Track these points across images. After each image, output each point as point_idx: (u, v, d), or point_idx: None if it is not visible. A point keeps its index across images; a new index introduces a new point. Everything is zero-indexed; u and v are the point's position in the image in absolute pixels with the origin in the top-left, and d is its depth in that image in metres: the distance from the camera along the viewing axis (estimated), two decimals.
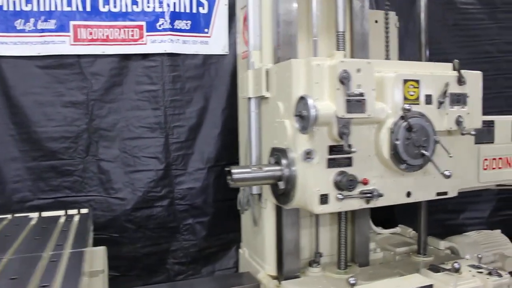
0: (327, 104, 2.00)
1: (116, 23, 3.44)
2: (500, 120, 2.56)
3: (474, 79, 2.30)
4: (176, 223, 3.58)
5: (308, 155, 2.04)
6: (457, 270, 2.12)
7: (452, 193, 2.37)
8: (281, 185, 2.15)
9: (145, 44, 3.49)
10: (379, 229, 3.14)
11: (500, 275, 2.33)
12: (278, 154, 2.19)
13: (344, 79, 1.95)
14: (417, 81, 2.14)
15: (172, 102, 3.53)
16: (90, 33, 3.40)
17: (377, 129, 2.14)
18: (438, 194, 2.33)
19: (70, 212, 2.70)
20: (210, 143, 3.61)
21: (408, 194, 2.24)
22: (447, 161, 2.30)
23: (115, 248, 3.43)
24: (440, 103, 2.18)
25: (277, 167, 2.15)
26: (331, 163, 2.07)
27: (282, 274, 2.45)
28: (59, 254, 1.88)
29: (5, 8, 3.25)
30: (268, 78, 2.35)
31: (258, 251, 2.74)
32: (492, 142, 2.53)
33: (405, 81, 2.12)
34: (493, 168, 2.53)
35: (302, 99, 1.98)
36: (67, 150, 3.40)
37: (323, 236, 2.62)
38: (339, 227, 2.51)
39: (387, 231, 3.18)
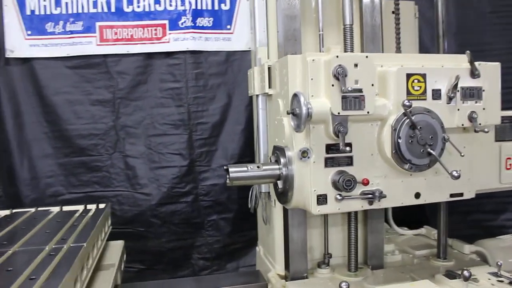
0: (322, 101, 1.92)
1: (139, 23, 3.52)
2: None
3: (492, 71, 2.12)
4: (200, 219, 3.62)
5: (303, 154, 1.98)
6: (467, 278, 1.97)
7: (469, 195, 2.21)
8: (280, 184, 2.11)
9: (168, 42, 3.54)
10: (402, 230, 3.01)
11: None
12: (277, 152, 2.14)
13: (339, 75, 1.87)
14: (423, 75, 2.00)
15: (195, 99, 3.56)
16: (115, 33, 3.50)
17: (380, 126, 2.03)
18: (452, 195, 2.18)
19: (89, 206, 2.79)
20: (234, 140, 3.61)
21: (417, 195, 2.12)
22: (462, 160, 2.15)
23: (141, 242, 3.56)
24: (450, 98, 2.03)
25: (276, 166, 2.11)
26: (329, 162, 2.00)
27: (289, 274, 2.40)
28: (60, 248, 1.95)
29: (36, 13, 3.43)
30: (270, 74, 2.30)
31: (270, 249, 2.71)
32: None
33: (409, 75, 1.99)
34: None
35: (295, 96, 1.92)
36: (96, 147, 3.54)
37: (333, 236, 2.54)
38: (349, 227, 2.42)
39: (410, 232, 3.04)
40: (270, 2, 2.42)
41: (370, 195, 2.00)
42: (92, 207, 2.80)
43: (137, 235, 3.55)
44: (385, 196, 2.02)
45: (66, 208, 2.78)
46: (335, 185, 1.97)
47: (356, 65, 1.92)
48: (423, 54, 2.42)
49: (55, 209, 2.76)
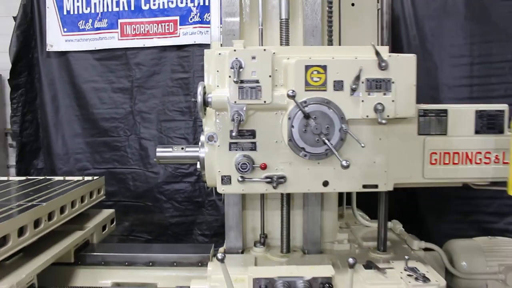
0: (222, 91, 2.11)
1: (154, 19, 3.94)
2: (456, 109, 2.22)
3: (405, 63, 2.09)
4: (201, 198, 3.96)
5: (210, 138, 2.19)
6: (351, 265, 2.00)
7: (385, 187, 2.20)
8: (198, 165, 2.33)
9: (178, 36, 3.91)
10: (366, 222, 3.01)
11: (425, 281, 2.11)
12: None
13: (234, 67, 2.04)
14: (323, 67, 2.06)
15: None
16: (134, 29, 3.96)
17: (283, 116, 2.14)
18: (366, 186, 2.20)
19: (87, 178, 3.26)
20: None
21: (325, 184, 2.18)
22: (378, 152, 2.17)
23: (149, 215, 4.01)
24: (353, 90, 2.06)
25: (196, 149, 2.34)
26: (233, 147, 2.17)
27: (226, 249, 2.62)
28: (23, 204, 2.43)
29: (71, 12, 4.02)
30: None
31: None
32: (445, 134, 2.22)
33: (308, 67, 2.07)
34: (445, 164, 2.23)
35: (198, 86, 2.13)
36: (116, 129, 4.06)
37: (272, 219, 2.66)
38: (281, 212, 2.56)
39: (375, 225, 3.02)
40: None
41: (269, 179, 2.14)
42: (89, 178, 3.26)
43: (146, 208, 4.01)
44: (283, 182, 2.13)
45: (68, 178, 3.28)
46: (236, 167, 2.15)
47: (253, 58, 2.06)
48: (341, 46, 2.43)
49: (59, 178, 3.28)
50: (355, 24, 2.73)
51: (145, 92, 3.99)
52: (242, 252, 2.62)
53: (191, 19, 3.85)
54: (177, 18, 3.89)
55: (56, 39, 4.04)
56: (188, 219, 3.97)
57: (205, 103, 2.14)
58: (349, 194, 3.10)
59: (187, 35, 3.87)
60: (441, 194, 3.68)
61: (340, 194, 3.12)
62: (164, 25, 3.92)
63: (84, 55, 4.04)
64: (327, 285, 2.02)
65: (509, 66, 3.53)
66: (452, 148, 2.22)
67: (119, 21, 3.97)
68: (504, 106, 2.24)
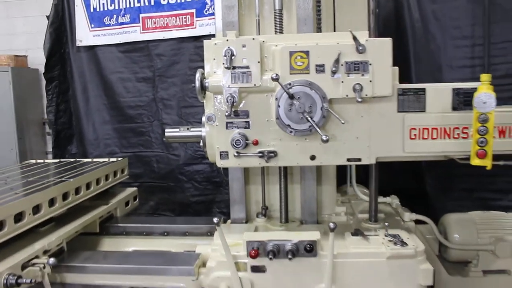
0: (218, 76, 2.38)
1: (173, 13, 4.24)
2: (433, 88, 2.38)
3: (381, 46, 2.29)
4: (219, 178, 4.26)
5: (209, 118, 2.47)
6: (332, 229, 2.23)
7: (368, 161, 2.41)
8: (201, 143, 2.63)
9: (195, 28, 4.21)
10: (365, 196, 3.21)
11: (403, 246, 2.32)
12: None
13: (227, 55, 2.31)
14: (306, 52, 2.30)
15: None
16: (154, 22, 4.29)
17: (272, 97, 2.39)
18: (350, 160, 2.42)
19: (112, 159, 3.63)
20: None
21: (313, 157, 2.42)
22: (361, 128, 2.39)
23: (172, 194, 4.37)
24: (333, 72, 2.29)
25: (199, 129, 2.63)
26: (230, 126, 2.44)
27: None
28: (53, 180, 2.81)
29: (97, 10, 4.39)
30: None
31: None
32: (423, 111, 2.40)
33: (292, 52, 2.31)
34: (424, 138, 2.41)
35: (196, 73, 2.42)
36: (140, 116, 4.42)
37: (273, 193, 2.92)
38: (280, 185, 2.82)
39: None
40: None
41: (261, 154, 2.40)
42: (113, 159, 3.63)
43: (168, 188, 4.37)
44: (274, 156, 2.39)
45: (96, 159, 3.65)
46: (232, 144, 2.42)
47: (244, 46, 2.32)
48: (326, 33, 2.62)
49: (88, 160, 3.67)
50: (349, 11, 2.91)
51: (166, 81, 4.32)
52: (246, 223, 2.89)
53: (206, 11, 4.13)
54: (194, 11, 4.18)
55: (85, 34, 4.43)
56: (208, 198, 4.29)
57: (203, 88, 2.42)
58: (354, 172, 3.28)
59: (203, 26, 4.16)
60: (446, 172, 3.84)
61: (344, 172, 3.33)
62: (182, 18, 4.22)
63: (110, 48, 4.41)
64: (308, 246, 2.27)
65: (510, 46, 3.61)
66: (431, 124, 2.40)
67: (141, 15, 4.31)
68: (479, 84, 2.38)
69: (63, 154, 4.60)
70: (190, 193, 4.33)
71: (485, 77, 2.21)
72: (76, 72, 4.49)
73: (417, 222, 3.03)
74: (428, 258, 2.84)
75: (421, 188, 3.98)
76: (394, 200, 3.20)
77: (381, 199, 3.24)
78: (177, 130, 2.70)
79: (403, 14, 3.88)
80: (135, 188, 3.66)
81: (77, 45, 4.44)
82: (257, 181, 2.91)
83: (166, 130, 2.70)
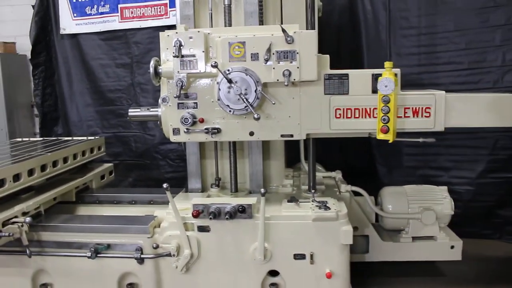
0: (170, 63, 2.77)
1: (148, 3, 4.60)
2: (355, 73, 2.75)
3: (307, 38, 2.66)
4: None
5: (163, 100, 2.86)
6: (263, 194, 2.62)
7: (299, 136, 2.80)
8: (159, 122, 3.02)
9: (168, 17, 4.56)
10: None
11: (326, 209, 2.72)
12: None
13: (176, 45, 2.69)
14: (242, 43, 2.68)
15: None
16: (132, 12, 4.64)
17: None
18: (283, 136, 2.81)
19: (90, 138, 4.02)
20: None
21: (251, 133, 2.81)
22: (293, 108, 2.77)
23: (148, 171, 4.77)
24: (266, 60, 2.67)
25: (157, 109, 3.02)
26: (181, 106, 2.83)
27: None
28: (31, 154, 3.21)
29: (79, 0, 4.74)
30: None
31: None
32: (347, 94, 2.77)
33: (231, 43, 2.68)
34: (348, 117, 2.78)
35: (151, 61, 2.81)
36: (120, 99, 4.81)
37: (227, 166, 3.31)
38: (230, 159, 3.22)
39: (321, 174, 3.63)
40: None
41: (206, 130, 2.80)
42: (91, 138, 4.02)
43: (145, 166, 4.77)
44: (218, 132, 2.79)
45: (75, 138, 4.05)
46: (181, 121, 2.82)
47: (191, 38, 2.70)
48: (264, 26, 2.96)
49: (68, 138, 4.06)
50: (293, 4, 3.26)
51: (142, 67, 4.69)
52: (202, 192, 3.30)
53: None
54: (167, 1, 4.54)
55: (68, 23, 4.79)
56: (180, 174, 4.66)
57: (157, 74, 2.80)
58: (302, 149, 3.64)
59: (175, 16, 4.48)
60: (394, 151, 4.23)
61: (296, 149, 3.68)
62: (157, 8, 4.58)
63: (91, 36, 4.77)
64: (240, 208, 2.67)
65: (451, 36, 3.97)
66: (353, 104, 2.78)
67: (119, 6, 4.66)
68: (396, 70, 2.75)
69: (49, 135, 4.99)
70: (165, 170, 4.74)
71: (387, 64, 2.58)
72: (60, 58, 4.86)
73: (357, 194, 3.44)
74: (363, 225, 3.29)
75: (372, 166, 4.37)
76: (337, 174, 3.60)
77: (326, 173, 3.64)
78: (139, 110, 3.09)
79: (357, 6, 4.23)
80: (111, 164, 4.06)
81: (60, 33, 4.80)
82: (212, 155, 3.30)
83: (130, 110, 3.10)
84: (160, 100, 2.92)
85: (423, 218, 3.29)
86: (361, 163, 4.41)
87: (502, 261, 3.86)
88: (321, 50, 2.93)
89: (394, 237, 3.47)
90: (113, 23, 4.69)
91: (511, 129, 3.01)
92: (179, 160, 4.66)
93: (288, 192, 3.34)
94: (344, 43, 4.30)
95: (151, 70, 2.75)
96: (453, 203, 3.38)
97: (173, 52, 2.70)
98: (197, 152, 3.27)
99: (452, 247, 3.37)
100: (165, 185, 2.64)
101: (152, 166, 4.77)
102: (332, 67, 2.77)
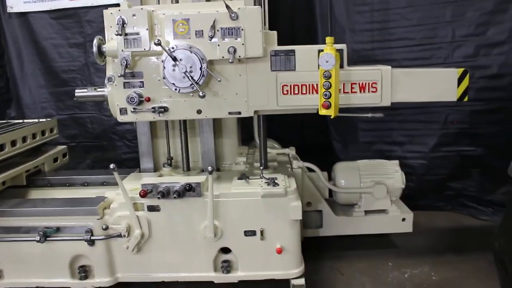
0: (114, 42, 2.70)
1: None
2: (302, 49, 2.75)
3: (252, 13, 2.63)
4: None
5: (109, 79, 2.80)
6: (210, 172, 2.63)
7: (246, 114, 2.79)
8: (106, 102, 2.96)
9: None
10: (269, 150, 3.59)
11: (274, 186, 2.75)
12: None
13: (119, 23, 2.62)
14: (186, 20, 2.63)
15: None
16: None
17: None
18: (231, 113, 2.80)
19: (42, 120, 3.92)
20: None
21: (199, 112, 2.79)
22: (240, 85, 2.75)
23: (105, 152, 4.70)
24: (211, 37, 2.63)
25: (104, 89, 2.95)
26: (127, 85, 2.78)
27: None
28: None
29: None
30: None
31: None
32: (294, 70, 2.78)
33: (175, 20, 2.64)
34: (295, 94, 2.80)
35: (94, 39, 2.73)
36: (74, 80, 4.69)
37: (178, 145, 3.29)
38: (181, 138, 3.20)
39: (275, 151, 3.65)
40: None
41: (153, 109, 2.76)
42: (43, 120, 3.92)
43: (102, 147, 4.70)
44: (164, 111, 2.75)
45: (26, 120, 3.94)
46: (126, 100, 2.77)
47: (134, 15, 2.63)
48: (209, 2, 2.92)
49: (19, 121, 3.95)
50: None
51: None
52: (154, 172, 3.28)
53: None
54: None
55: (15, 1, 4.58)
56: (138, 155, 4.61)
57: (101, 53, 2.74)
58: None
59: None
60: (349, 127, 4.28)
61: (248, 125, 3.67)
62: None
63: (41, 15, 4.60)
64: (188, 186, 2.67)
65: (404, 12, 4.00)
66: (300, 81, 2.78)
67: None
68: (343, 46, 2.77)
69: (2, 118, 4.83)
70: (122, 150, 4.68)
71: (328, 39, 2.58)
72: (9, 38, 4.68)
73: (311, 170, 3.47)
74: (317, 201, 3.33)
75: (329, 142, 4.42)
76: (291, 151, 3.63)
77: (280, 150, 3.67)
78: (86, 90, 3.02)
79: None
80: (64, 146, 3.98)
81: (8, 11, 4.61)
82: (163, 135, 3.27)
83: (76, 90, 3.02)
84: (106, 80, 2.86)
85: (374, 192, 3.37)
86: (320, 139, 4.45)
87: (452, 231, 4.00)
88: (275, 26, 2.92)
89: (347, 211, 3.54)
90: (64, 1, 4.53)
91: (461, 103, 3.09)
92: (136, 141, 4.56)
93: (241, 169, 3.36)
94: (299, 19, 4.28)
95: (95, 49, 2.69)
96: (404, 176, 3.46)
97: (116, 31, 2.63)
98: (147, 131, 3.24)
99: (404, 219, 3.48)
100: (111, 166, 2.62)
101: (110, 147, 4.70)
102: (286, 44, 2.75)
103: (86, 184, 3.41)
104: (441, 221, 4.17)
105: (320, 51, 2.72)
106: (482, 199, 4.19)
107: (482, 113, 3.98)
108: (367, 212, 3.47)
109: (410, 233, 3.50)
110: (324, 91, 2.59)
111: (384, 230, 3.51)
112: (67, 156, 4.03)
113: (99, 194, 3.17)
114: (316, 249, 3.48)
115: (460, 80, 2.79)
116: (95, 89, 3.02)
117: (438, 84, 2.82)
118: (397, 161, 3.52)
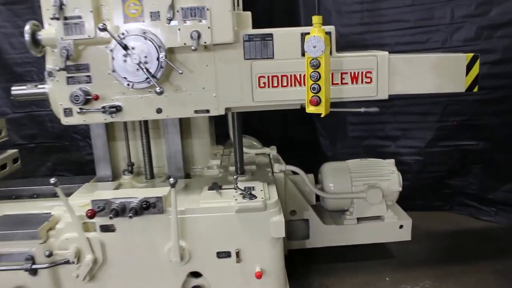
0: (51, 28, 2.21)
1: None
2: (281, 33, 2.29)
3: None
4: None
5: (49, 74, 2.32)
6: (172, 185, 2.18)
7: (216, 112, 2.34)
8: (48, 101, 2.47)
9: None
10: (246, 149, 3.15)
11: (251, 199, 2.30)
12: None
13: (55, 4, 2.13)
14: None
15: None
16: None
17: None
18: (197, 111, 2.34)
19: None
20: None
21: (159, 111, 2.32)
22: (207, 78, 2.30)
23: (68, 154, 4.21)
24: (169, 19, 2.16)
25: (45, 85, 2.46)
26: (71, 81, 2.30)
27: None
28: None
29: None
30: None
31: None
32: (272, 58, 2.32)
33: (125, 0, 2.15)
34: (274, 87, 2.34)
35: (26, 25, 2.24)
36: (30, 73, 4.16)
37: (140, 148, 2.83)
38: (142, 141, 2.73)
39: (254, 151, 3.21)
40: None
41: (103, 109, 2.28)
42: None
43: (64, 148, 4.20)
44: (117, 111, 2.28)
45: None
46: (70, 100, 2.29)
47: None
48: None
49: None
50: None
51: None
52: (113, 180, 2.81)
53: None
54: None
55: None
56: None
57: (36, 42, 2.24)
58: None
59: None
60: (337, 121, 3.85)
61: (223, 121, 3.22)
62: None
63: None
64: (144, 204, 2.21)
65: None
66: (280, 71, 2.33)
67: None
68: (331, 28, 2.31)
69: None
70: (86, 151, 4.18)
71: (316, 19, 2.12)
72: None
73: (295, 172, 3.03)
74: (302, 209, 2.89)
75: (315, 138, 3.99)
76: (272, 151, 3.18)
77: (260, 150, 3.22)
78: (24, 87, 2.54)
79: None
80: (15, 150, 3.48)
81: None
82: (122, 137, 2.81)
83: (12, 88, 2.54)
84: (45, 74, 2.37)
85: (368, 197, 2.94)
86: (304, 135, 4.02)
87: (452, 234, 3.61)
88: (251, 8, 2.45)
89: (337, 219, 3.12)
90: None
91: (461, 93, 2.66)
92: None
93: (214, 174, 2.93)
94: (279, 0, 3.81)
95: (27, 37, 2.20)
96: (401, 178, 3.05)
97: (53, 14, 2.13)
98: (103, 133, 2.77)
99: (401, 226, 3.07)
100: (52, 180, 2.15)
101: (72, 148, 4.21)
102: (263, 28, 2.30)
103: (35, 196, 2.93)
104: (439, 224, 3.79)
105: (304, 34, 2.27)
106: (484, 197, 3.82)
107: (485, 102, 3.58)
108: (359, 220, 3.05)
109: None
110: (312, 84, 2.13)
111: (380, 240, 3.10)
112: (19, 162, 3.52)
113: (48, 209, 2.70)
114: (302, 263, 3.06)
115: (469, 68, 2.36)
116: (35, 85, 2.53)
117: (444, 73, 2.39)
118: (392, 160, 3.10)
